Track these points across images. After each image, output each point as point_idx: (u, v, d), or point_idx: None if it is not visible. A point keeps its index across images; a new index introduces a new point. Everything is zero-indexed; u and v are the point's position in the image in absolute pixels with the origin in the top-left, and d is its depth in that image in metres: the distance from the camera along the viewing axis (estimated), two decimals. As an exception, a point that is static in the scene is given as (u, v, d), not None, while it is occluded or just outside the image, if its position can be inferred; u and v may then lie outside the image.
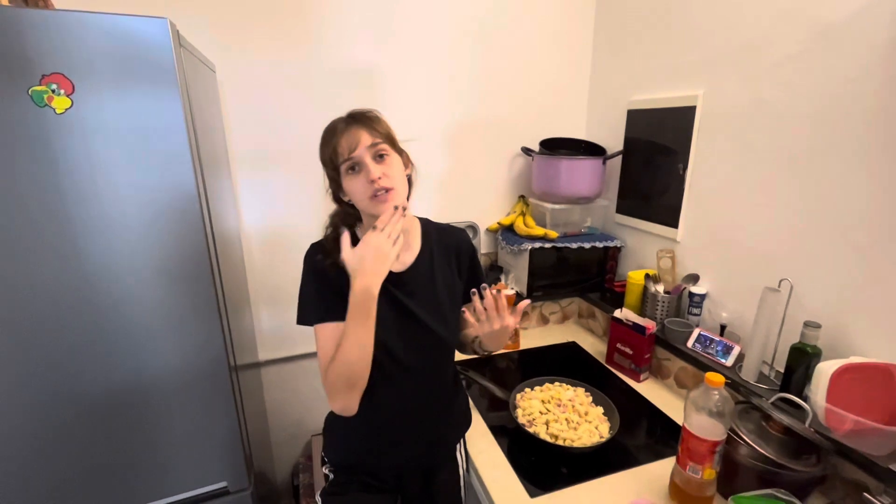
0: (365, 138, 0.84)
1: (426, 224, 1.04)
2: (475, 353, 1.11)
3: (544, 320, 1.92)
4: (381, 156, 0.86)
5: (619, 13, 1.71)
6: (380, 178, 0.84)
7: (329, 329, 0.90)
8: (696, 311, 1.44)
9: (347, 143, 0.84)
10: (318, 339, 0.92)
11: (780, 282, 1.15)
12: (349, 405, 0.89)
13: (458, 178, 1.81)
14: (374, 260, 0.83)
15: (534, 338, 1.80)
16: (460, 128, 1.76)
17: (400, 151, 0.91)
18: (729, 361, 1.27)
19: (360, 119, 0.87)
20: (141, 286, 0.94)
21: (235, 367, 1.14)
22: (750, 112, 1.25)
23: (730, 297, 1.36)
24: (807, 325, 1.06)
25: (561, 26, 1.79)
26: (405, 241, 0.98)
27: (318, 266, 0.92)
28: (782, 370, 1.17)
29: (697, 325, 1.42)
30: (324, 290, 0.92)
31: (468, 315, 0.94)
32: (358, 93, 1.59)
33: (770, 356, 1.19)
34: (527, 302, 0.94)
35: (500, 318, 0.93)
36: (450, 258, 1.03)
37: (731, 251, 1.34)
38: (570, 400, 1.27)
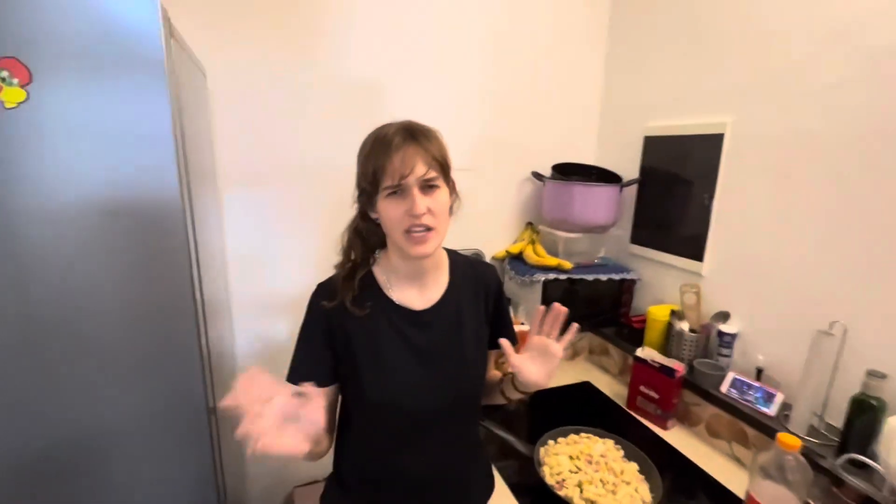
0: (420, 167, 0.70)
1: (454, 256, 0.90)
2: (506, 399, 0.94)
3: (553, 357, 1.78)
4: (430, 187, 0.73)
5: (635, 34, 1.65)
6: (423, 213, 0.71)
7: (325, 394, 0.77)
8: (726, 352, 1.33)
9: (400, 166, 0.69)
10: None
11: (832, 324, 1.05)
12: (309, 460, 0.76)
13: (464, 202, 1.67)
14: None
15: (544, 377, 1.65)
16: (467, 150, 1.65)
17: (448, 180, 0.78)
18: (772, 410, 1.15)
19: (419, 138, 0.72)
20: (110, 323, 0.75)
21: (214, 409, 0.94)
22: (788, 141, 1.17)
23: (767, 337, 1.25)
24: (870, 374, 0.96)
25: (571, 47, 1.72)
26: (432, 278, 0.84)
27: (321, 313, 0.78)
28: (834, 423, 1.07)
29: (729, 368, 1.30)
30: (315, 342, 0.79)
31: (505, 344, 0.78)
32: (358, 109, 1.45)
33: (820, 407, 1.08)
34: (576, 327, 0.80)
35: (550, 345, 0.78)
36: (478, 297, 0.89)
37: (768, 288, 1.24)
38: (601, 456, 1.12)
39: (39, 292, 0.71)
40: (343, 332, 0.78)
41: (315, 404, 0.63)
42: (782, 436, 0.80)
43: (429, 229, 0.72)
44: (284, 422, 0.60)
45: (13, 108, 0.63)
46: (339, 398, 0.85)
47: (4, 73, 0.61)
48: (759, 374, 1.24)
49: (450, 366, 0.82)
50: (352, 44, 1.42)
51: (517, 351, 0.81)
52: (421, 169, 0.71)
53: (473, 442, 0.94)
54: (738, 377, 1.25)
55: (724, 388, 1.26)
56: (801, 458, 0.81)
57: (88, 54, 0.65)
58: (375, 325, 0.79)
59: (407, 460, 0.83)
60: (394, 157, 0.70)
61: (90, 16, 0.64)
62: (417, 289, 0.83)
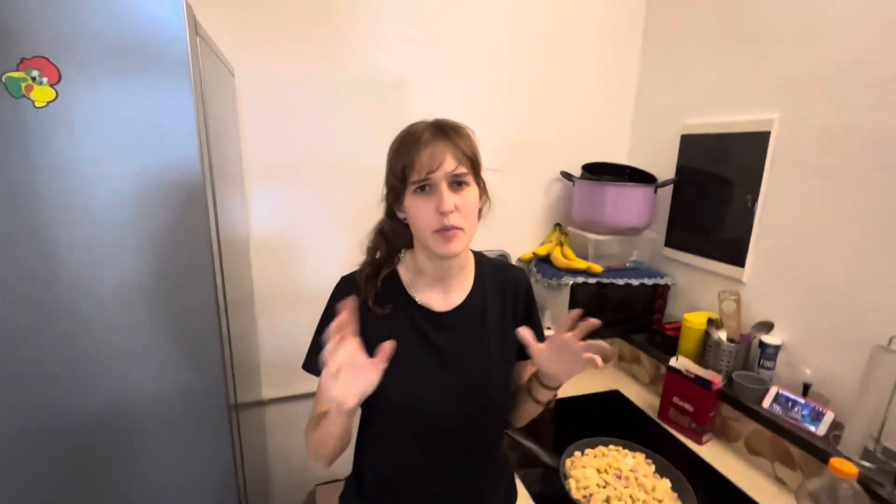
0: (449, 161, 0.69)
1: (479, 258, 0.87)
2: (535, 401, 0.89)
3: (581, 363, 1.72)
4: (460, 184, 0.71)
5: (672, 27, 1.57)
6: (452, 211, 0.69)
7: None
8: (769, 364, 1.24)
9: (428, 161, 0.68)
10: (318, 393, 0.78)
11: (893, 339, 0.96)
12: (319, 467, 0.77)
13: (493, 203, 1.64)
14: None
15: (571, 384, 1.56)
16: (495, 147, 1.61)
17: (479, 179, 0.76)
18: (820, 430, 1.07)
19: (449, 134, 0.71)
20: (135, 316, 0.76)
21: (236, 406, 0.95)
22: (843, 139, 1.08)
23: (815, 351, 1.16)
24: (937, 396, 0.87)
25: (604, 41, 1.65)
26: (458, 280, 0.81)
27: (341, 297, 0.76)
28: (893, 447, 0.97)
29: (772, 382, 1.22)
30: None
31: (526, 334, 0.73)
32: (385, 107, 1.44)
33: (877, 429, 0.99)
34: (606, 347, 0.74)
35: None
36: (505, 301, 0.86)
37: (817, 297, 1.15)
38: (631, 470, 1.06)
39: (69, 285, 0.72)
40: (363, 329, 0.76)
41: (377, 363, 0.63)
42: (837, 461, 0.74)
43: (456, 229, 0.70)
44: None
45: (43, 106, 0.64)
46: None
47: (35, 73, 0.62)
48: (806, 389, 1.16)
49: (473, 370, 0.79)
50: (380, 41, 1.40)
51: None
52: (450, 164, 0.69)
53: (496, 451, 0.91)
54: (782, 392, 1.17)
55: (767, 402, 1.18)
56: (858, 487, 0.74)
57: (115, 53, 0.66)
58: (396, 325, 0.77)
59: (426, 466, 0.80)
60: (422, 152, 0.68)
61: (117, 15, 0.65)
62: (442, 290, 0.81)
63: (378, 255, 0.78)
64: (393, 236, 0.80)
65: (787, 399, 1.15)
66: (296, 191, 1.41)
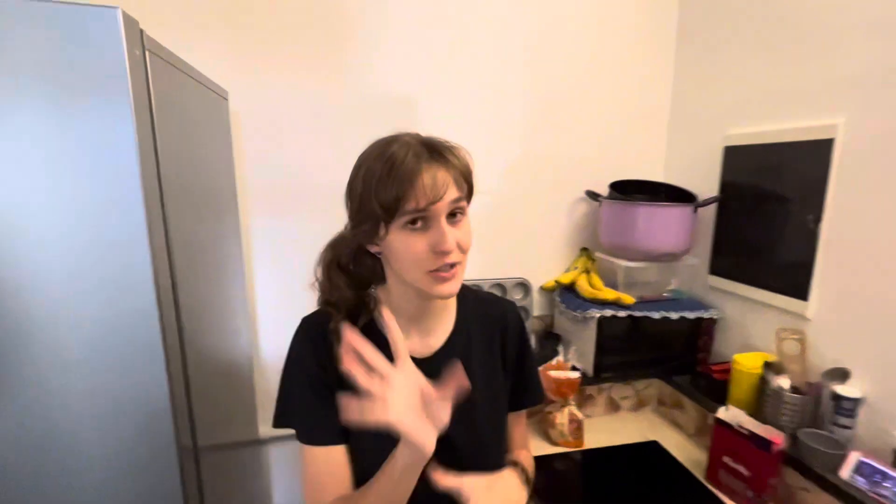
0: (451, 190, 0.58)
1: (462, 292, 0.74)
2: None
3: (614, 407, 1.52)
4: (455, 214, 0.60)
5: (711, 21, 1.40)
6: (453, 249, 0.58)
7: (324, 455, 0.65)
8: (845, 422, 1.01)
9: (430, 191, 0.56)
10: (304, 462, 0.65)
11: None
12: None
13: (507, 225, 1.50)
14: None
15: (601, 431, 1.40)
16: (512, 166, 1.48)
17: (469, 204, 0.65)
18: (922, 515, 0.83)
19: (445, 155, 0.59)
20: (68, 354, 0.68)
21: (194, 448, 0.83)
22: (932, 144, 0.87)
23: (909, 409, 0.92)
24: None
25: (634, 43, 1.50)
26: (437, 319, 0.69)
27: (311, 355, 0.65)
28: None
29: (851, 445, 0.98)
30: (317, 395, 0.64)
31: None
32: (392, 126, 1.35)
33: None
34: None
35: None
36: (492, 341, 0.73)
37: (907, 341, 0.92)
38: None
39: None
40: (338, 380, 0.64)
41: (445, 401, 0.55)
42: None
43: (454, 266, 0.59)
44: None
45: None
46: None
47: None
48: (899, 458, 0.92)
49: (456, 432, 0.65)
50: (384, 57, 1.33)
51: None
52: (452, 193, 0.58)
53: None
54: (866, 460, 0.93)
55: (846, 472, 0.94)
56: None
57: (43, 73, 0.60)
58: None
59: None
60: (422, 178, 0.56)
61: (43, 29, 0.59)
62: (419, 332, 0.68)
63: (335, 297, 0.65)
64: (359, 271, 0.68)
65: (874, 470, 0.91)
66: (296, 214, 1.34)
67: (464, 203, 0.61)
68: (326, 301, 0.66)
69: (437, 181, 0.56)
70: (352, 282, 0.67)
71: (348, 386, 0.62)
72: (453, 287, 0.61)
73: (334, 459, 0.65)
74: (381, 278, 0.68)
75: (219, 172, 1.09)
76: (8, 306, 0.64)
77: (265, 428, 1.40)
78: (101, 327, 0.67)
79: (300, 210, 1.34)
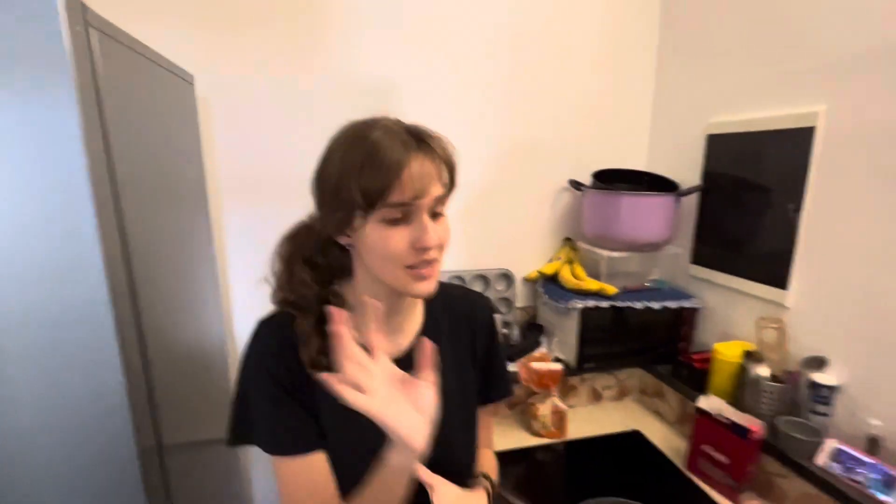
0: (436, 185, 0.55)
1: None
2: None
3: (596, 396, 1.52)
4: (436, 211, 0.57)
5: (694, 8, 1.37)
6: (435, 245, 0.55)
7: (302, 465, 0.60)
8: (822, 409, 1.01)
9: (419, 183, 0.53)
10: (280, 477, 0.61)
11: None
12: None
13: (490, 215, 1.48)
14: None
15: (584, 421, 1.40)
16: (494, 156, 1.45)
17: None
18: (894, 500, 0.84)
19: (432, 146, 0.55)
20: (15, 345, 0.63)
21: (159, 449, 0.79)
22: (912, 132, 0.87)
23: (883, 395, 0.93)
24: None
25: (616, 28, 1.47)
26: (406, 316, 0.66)
27: (276, 359, 0.60)
28: None
29: (828, 433, 0.99)
30: (286, 402, 0.60)
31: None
32: (369, 113, 1.30)
33: (976, 506, 0.76)
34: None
35: None
36: (462, 337, 0.71)
37: (884, 327, 0.93)
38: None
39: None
40: (306, 386, 0.60)
41: (428, 388, 0.54)
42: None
43: (432, 263, 0.57)
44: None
45: None
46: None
47: None
48: (874, 445, 0.92)
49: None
50: (361, 42, 1.27)
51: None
52: (437, 188, 0.55)
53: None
54: (841, 447, 0.94)
55: (822, 459, 0.95)
56: None
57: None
58: (330, 367, 0.61)
59: None
60: (408, 169, 0.52)
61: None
62: (387, 331, 0.64)
63: (298, 293, 0.61)
64: (326, 267, 0.63)
65: (849, 457, 0.92)
66: (271, 204, 1.29)
67: (446, 199, 0.58)
68: (285, 300, 0.61)
69: (424, 174, 0.53)
70: (317, 276, 0.62)
71: (318, 391, 0.59)
72: (431, 286, 0.58)
73: (314, 468, 0.61)
74: (347, 272, 0.64)
75: (185, 160, 1.04)
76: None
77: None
78: (50, 323, 0.63)
79: (275, 200, 1.28)
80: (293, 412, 0.60)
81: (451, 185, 0.58)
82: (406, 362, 0.64)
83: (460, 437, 0.68)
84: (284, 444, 0.60)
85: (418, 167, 0.53)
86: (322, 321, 0.60)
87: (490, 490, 0.69)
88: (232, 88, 1.20)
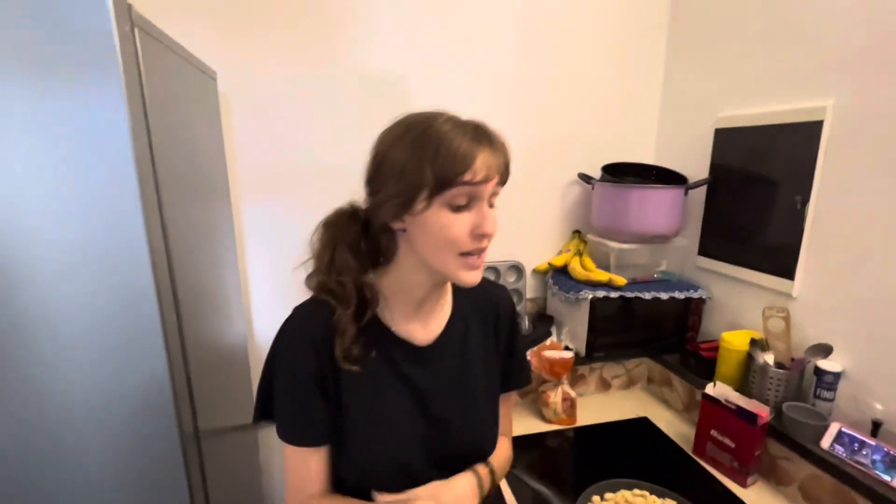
0: (497, 176, 0.59)
1: None
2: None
3: (605, 385, 1.56)
4: (491, 204, 0.61)
5: (703, 3, 1.39)
6: (493, 233, 0.59)
7: (298, 456, 0.65)
8: (827, 395, 1.05)
9: (486, 168, 0.56)
10: (287, 462, 0.66)
11: None
12: None
13: (500, 208, 1.48)
14: None
15: (593, 409, 1.43)
16: (505, 149, 1.47)
17: None
18: (897, 481, 0.87)
19: (498, 145, 0.59)
20: (63, 336, 0.67)
21: (196, 434, 0.83)
22: (918, 126, 0.90)
23: (886, 380, 0.97)
24: None
25: (626, 23, 1.49)
26: (437, 304, 0.69)
27: (307, 349, 0.63)
28: None
29: (832, 417, 1.03)
30: (311, 394, 0.63)
31: None
32: (383, 108, 1.30)
33: (975, 484, 0.79)
34: None
35: None
36: (487, 326, 0.74)
37: (886, 315, 0.96)
38: (660, 524, 0.90)
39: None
40: (335, 376, 0.63)
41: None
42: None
43: (482, 252, 0.60)
44: None
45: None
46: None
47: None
48: (877, 428, 0.96)
49: (457, 414, 0.67)
50: (375, 36, 1.30)
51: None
52: (498, 179, 0.59)
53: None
54: (846, 430, 0.97)
55: (826, 442, 0.99)
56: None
57: (27, 52, 0.57)
58: (375, 369, 0.64)
59: None
60: (481, 155, 0.56)
61: (27, 5, 0.56)
62: (421, 318, 0.68)
63: (339, 281, 0.62)
64: (368, 254, 0.66)
65: (853, 440, 0.96)
66: (290, 197, 1.33)
67: (500, 191, 0.61)
68: (323, 286, 0.64)
69: (491, 163, 0.57)
70: (360, 263, 0.64)
71: (345, 380, 0.62)
72: (478, 276, 0.61)
73: (311, 462, 0.65)
74: (385, 261, 0.67)
75: (209, 155, 1.07)
76: (3, 297, 0.62)
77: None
78: (98, 314, 0.66)
79: (293, 193, 1.32)
80: (310, 403, 0.63)
81: (504, 180, 0.62)
82: (437, 348, 0.67)
83: (487, 421, 0.71)
84: (293, 434, 0.64)
85: (485, 160, 0.56)
86: (358, 311, 0.63)
87: (484, 474, 0.70)
88: (251, 84, 1.22)
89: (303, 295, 0.68)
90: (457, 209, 0.57)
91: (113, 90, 0.60)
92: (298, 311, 0.66)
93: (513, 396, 0.82)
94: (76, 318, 0.66)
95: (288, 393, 0.64)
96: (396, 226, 0.61)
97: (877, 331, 0.98)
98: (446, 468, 0.67)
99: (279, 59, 1.23)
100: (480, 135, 0.57)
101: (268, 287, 1.36)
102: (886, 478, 0.89)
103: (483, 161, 0.56)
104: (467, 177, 0.55)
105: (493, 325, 0.74)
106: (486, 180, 0.56)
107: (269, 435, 1.45)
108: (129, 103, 0.61)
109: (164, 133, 0.73)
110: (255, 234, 1.32)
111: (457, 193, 0.55)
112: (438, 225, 0.57)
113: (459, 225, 0.57)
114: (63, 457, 0.70)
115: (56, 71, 0.59)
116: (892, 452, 0.90)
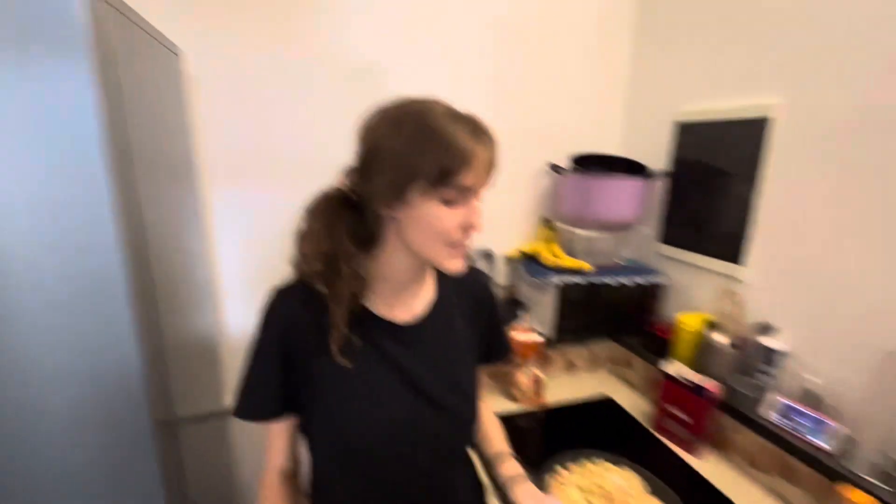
0: (490, 175, 0.61)
1: None
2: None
3: (571, 366, 1.63)
4: (478, 198, 0.63)
5: (667, 5, 1.46)
6: (480, 229, 0.62)
7: (279, 429, 0.70)
8: (770, 370, 1.14)
9: (483, 172, 0.59)
10: (268, 434, 0.69)
11: (909, 345, 0.86)
12: None
13: (474, 196, 1.53)
14: None
15: (560, 390, 1.50)
16: (478, 138, 1.50)
17: None
18: (828, 444, 0.97)
19: (489, 139, 0.61)
20: (30, 321, 0.65)
21: (168, 421, 0.82)
22: (853, 126, 0.98)
23: (823, 357, 1.06)
24: (962, 411, 0.77)
25: (596, 20, 1.54)
26: (421, 287, 0.72)
27: (278, 325, 0.65)
28: (909, 464, 0.88)
29: (774, 390, 1.12)
30: (261, 369, 0.66)
31: None
32: (358, 95, 1.30)
33: (892, 446, 0.89)
34: None
35: None
36: (467, 307, 0.77)
37: (825, 298, 1.05)
38: (618, 490, 0.96)
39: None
40: (308, 357, 0.65)
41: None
42: (847, 490, 0.64)
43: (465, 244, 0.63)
44: None
45: None
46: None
47: None
48: (813, 399, 1.06)
49: (440, 392, 0.69)
50: (351, 22, 1.29)
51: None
52: (490, 177, 0.61)
53: (467, 478, 0.81)
54: (785, 401, 1.07)
55: (769, 413, 1.08)
56: (875, 521, 0.64)
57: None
58: (355, 347, 0.65)
59: (388, 495, 0.70)
60: (479, 158, 0.57)
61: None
62: (404, 299, 0.70)
63: (342, 266, 0.63)
64: (365, 236, 0.65)
65: (792, 409, 1.05)
66: (261, 184, 1.31)
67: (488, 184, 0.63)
68: (318, 275, 0.64)
69: (486, 164, 0.59)
70: (358, 248, 0.64)
71: (321, 360, 0.64)
72: (463, 264, 0.64)
73: (282, 434, 0.70)
74: (374, 245, 0.66)
75: (175, 137, 1.04)
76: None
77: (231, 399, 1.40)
78: (69, 300, 0.65)
79: (265, 180, 1.31)
80: (264, 380, 0.66)
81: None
82: (421, 328, 0.70)
83: (469, 394, 0.74)
84: (239, 407, 0.67)
85: (483, 157, 0.58)
86: (356, 296, 0.64)
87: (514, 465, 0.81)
88: (220, 65, 1.19)
89: (273, 281, 0.69)
90: (449, 202, 0.58)
91: (80, 66, 0.59)
92: (273, 292, 0.68)
93: (487, 369, 0.87)
94: (47, 304, 0.65)
95: (246, 369, 0.67)
96: (384, 212, 0.62)
97: (815, 312, 1.08)
98: (434, 445, 0.69)
99: (249, 40, 1.21)
100: (479, 132, 0.59)
101: (238, 274, 1.35)
102: (818, 442, 0.98)
103: (482, 163, 0.58)
104: (464, 180, 0.57)
105: (475, 308, 0.77)
106: (481, 184, 0.59)
107: (240, 422, 1.44)
108: (96, 78, 0.60)
109: (133, 113, 0.72)
110: (225, 220, 1.30)
111: (453, 189, 0.57)
112: (430, 216, 0.58)
113: (450, 218, 0.59)
114: (34, 443, 0.69)
115: (13, 46, 0.57)
116: (824, 419, 0.99)
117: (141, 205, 0.72)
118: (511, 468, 0.80)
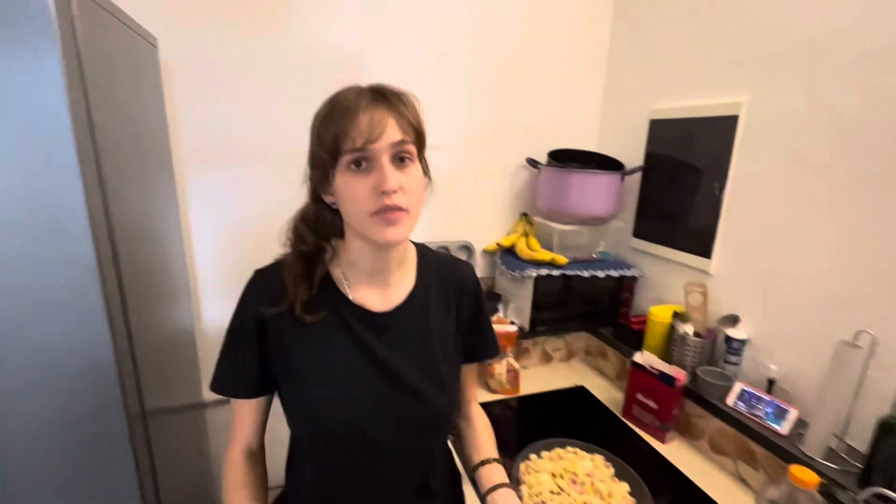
0: (392, 130, 0.58)
1: (422, 250, 0.78)
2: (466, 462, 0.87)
3: (547, 358, 1.66)
4: (403, 159, 0.60)
5: (643, 4, 1.49)
6: (395, 191, 0.58)
7: (248, 408, 0.71)
8: (734, 359, 1.19)
9: (367, 129, 0.56)
10: (234, 412, 0.71)
11: (858, 334, 0.91)
12: None
13: (452, 190, 1.55)
14: None
15: (535, 380, 1.53)
16: (456, 132, 1.52)
17: (422, 156, 0.66)
18: (784, 428, 1.02)
19: (391, 100, 0.59)
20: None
21: (141, 412, 0.83)
22: (814, 124, 1.02)
23: (781, 345, 1.11)
24: (903, 394, 0.82)
25: (574, 21, 1.56)
26: (397, 275, 0.72)
27: (253, 303, 0.67)
28: (857, 446, 0.93)
29: (737, 378, 1.17)
30: (236, 346, 0.68)
31: None
32: (336, 84, 1.33)
33: (841, 428, 0.95)
34: None
35: None
36: (449, 300, 0.77)
37: (785, 290, 1.10)
38: (588, 475, 1.00)
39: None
40: (280, 336, 0.66)
41: None
42: (797, 469, 0.68)
43: (401, 211, 0.59)
44: None
45: None
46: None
47: None
48: (771, 385, 1.11)
49: (415, 382, 0.70)
50: (329, 11, 1.29)
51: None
52: (394, 134, 0.58)
53: (442, 466, 0.83)
54: (746, 389, 1.12)
55: (731, 400, 1.13)
56: (818, 497, 0.68)
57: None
58: (327, 330, 0.67)
59: (362, 490, 0.72)
60: (360, 118, 0.56)
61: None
62: (379, 288, 0.71)
63: (303, 247, 0.66)
64: (318, 224, 0.68)
65: (752, 396, 1.10)
66: (237, 174, 1.30)
67: (410, 147, 0.60)
68: (294, 254, 0.67)
69: (374, 121, 0.56)
70: (316, 237, 0.67)
71: (294, 338, 0.65)
72: (398, 233, 0.60)
73: (251, 412, 0.71)
74: (340, 233, 0.69)
75: (150, 127, 1.03)
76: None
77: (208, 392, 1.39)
78: (41, 293, 0.65)
79: (241, 170, 1.30)
80: (238, 357, 0.68)
81: (415, 137, 0.61)
82: (395, 317, 0.70)
83: (448, 389, 0.74)
84: (216, 382, 0.69)
85: (369, 116, 0.57)
86: (310, 271, 0.66)
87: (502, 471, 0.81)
88: (197, 54, 1.18)
89: (250, 271, 0.70)
90: (358, 171, 0.58)
91: (49, 57, 0.58)
92: (254, 273, 0.69)
93: (475, 367, 0.86)
94: (17, 296, 0.64)
95: (224, 345, 0.69)
96: (328, 200, 0.64)
97: (774, 303, 1.13)
98: (405, 432, 0.70)
99: (226, 30, 1.20)
100: (368, 96, 0.58)
101: (214, 265, 1.34)
102: (776, 426, 1.03)
103: (366, 121, 0.56)
104: (347, 145, 0.57)
105: (457, 300, 0.76)
106: (369, 141, 0.56)
107: (216, 414, 1.44)
108: (65, 67, 0.59)
109: (106, 104, 0.71)
110: (200, 211, 1.29)
111: (348, 153, 0.57)
112: (345, 189, 0.59)
113: (361, 185, 0.58)
114: (6, 436, 0.68)
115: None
116: (781, 405, 1.04)
117: (113, 196, 0.72)
118: (495, 474, 0.79)
